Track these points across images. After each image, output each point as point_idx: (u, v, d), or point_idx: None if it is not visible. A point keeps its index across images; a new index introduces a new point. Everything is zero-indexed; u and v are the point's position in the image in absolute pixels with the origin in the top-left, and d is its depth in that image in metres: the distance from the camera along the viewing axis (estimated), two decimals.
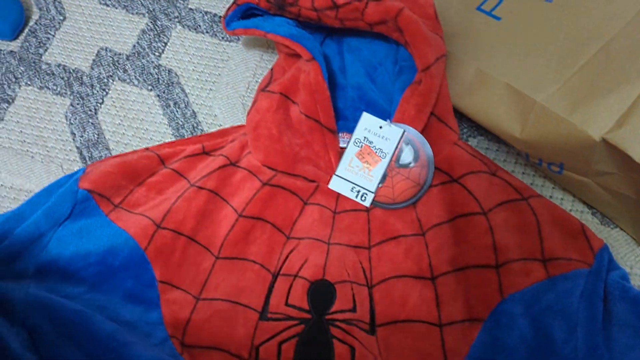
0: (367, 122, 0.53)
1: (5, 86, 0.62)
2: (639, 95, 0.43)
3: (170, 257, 0.51)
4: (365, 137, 0.53)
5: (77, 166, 0.58)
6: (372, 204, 0.53)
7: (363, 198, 0.53)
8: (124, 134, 0.60)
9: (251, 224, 0.52)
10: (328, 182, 0.54)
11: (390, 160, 0.53)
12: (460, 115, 0.56)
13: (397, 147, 0.53)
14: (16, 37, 0.65)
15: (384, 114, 0.57)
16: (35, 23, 0.66)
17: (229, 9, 0.58)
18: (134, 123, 0.60)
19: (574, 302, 0.46)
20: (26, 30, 0.66)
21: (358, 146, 0.53)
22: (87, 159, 0.58)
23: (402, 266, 0.51)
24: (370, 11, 0.53)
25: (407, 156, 0.53)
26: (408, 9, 0.53)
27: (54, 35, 0.65)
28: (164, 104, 0.61)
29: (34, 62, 0.64)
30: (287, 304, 0.49)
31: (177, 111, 0.61)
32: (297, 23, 0.57)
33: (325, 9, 0.54)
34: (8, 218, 0.49)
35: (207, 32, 0.65)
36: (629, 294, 0.46)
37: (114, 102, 0.61)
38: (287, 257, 0.51)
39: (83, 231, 0.50)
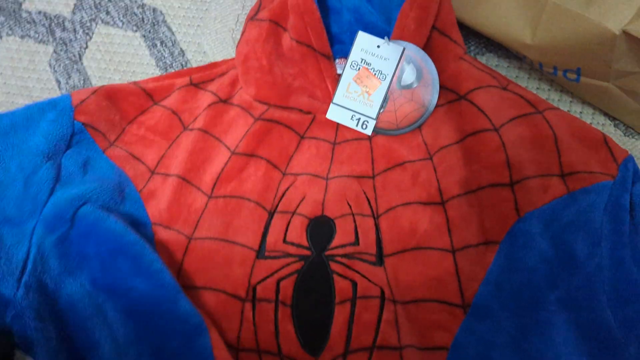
0: (364, 42, 0.49)
1: None
2: None
3: (162, 198, 0.48)
4: (362, 59, 0.49)
5: None
6: (374, 131, 0.49)
7: (364, 126, 0.49)
8: (110, 78, 0.57)
9: (245, 161, 0.49)
10: (325, 113, 0.50)
11: (391, 82, 0.49)
12: (466, 32, 0.52)
13: (397, 67, 0.49)
14: None
15: (383, 36, 0.53)
16: None
17: None
18: (121, 66, 0.57)
19: (597, 217, 0.42)
20: None
21: (355, 69, 0.50)
22: None
23: (409, 193, 0.47)
24: None
25: (409, 76, 0.49)
26: None
27: None
28: (151, 44, 0.58)
29: (13, 12, 0.61)
30: (285, 242, 0.46)
31: (164, 50, 0.57)
32: None
33: None
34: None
35: None
36: None
37: (98, 46, 0.58)
38: (283, 194, 0.48)
39: (87, 165, 0.48)
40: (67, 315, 0.43)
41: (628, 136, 0.49)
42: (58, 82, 0.57)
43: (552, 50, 0.45)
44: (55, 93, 0.57)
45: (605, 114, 0.50)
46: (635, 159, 0.45)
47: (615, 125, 0.49)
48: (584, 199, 0.43)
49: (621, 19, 0.40)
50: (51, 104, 0.49)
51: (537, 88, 0.51)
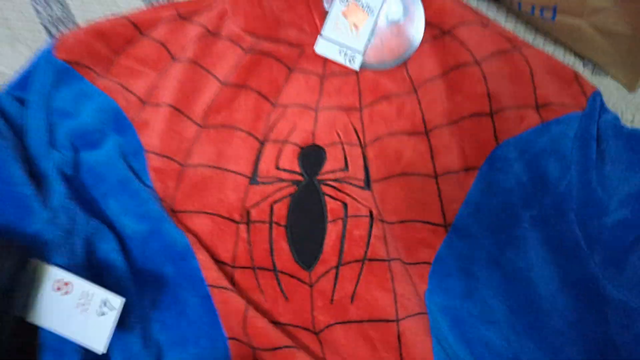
0: None
1: None
2: None
3: (155, 127, 0.49)
4: None
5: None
6: (361, 66, 0.51)
7: (351, 60, 0.51)
8: (92, 10, 0.56)
9: (235, 92, 0.50)
10: (313, 46, 0.51)
11: (378, 16, 0.51)
12: None
13: (384, 2, 0.50)
14: None
15: None
16: None
17: None
18: (103, 2, 0.56)
19: (568, 143, 0.46)
20: None
21: (344, 3, 0.51)
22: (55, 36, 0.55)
23: (395, 124, 0.50)
24: None
25: (395, 11, 0.51)
26: None
27: None
28: None
29: None
30: (277, 168, 0.48)
31: None
32: None
33: None
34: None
35: None
36: (622, 131, 0.46)
37: None
38: (274, 125, 0.50)
39: (80, 99, 0.48)
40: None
41: (595, 74, 0.52)
42: (37, 12, 0.56)
43: None
44: (36, 24, 0.55)
45: (576, 54, 0.53)
46: (602, 94, 0.49)
47: (584, 65, 0.53)
48: (556, 128, 0.47)
49: None
50: (37, 61, 0.49)
51: (513, 29, 0.54)
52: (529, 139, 0.47)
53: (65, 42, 0.49)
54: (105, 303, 0.38)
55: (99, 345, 0.38)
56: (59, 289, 0.38)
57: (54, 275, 0.38)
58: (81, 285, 0.38)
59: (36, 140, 0.45)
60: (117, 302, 0.39)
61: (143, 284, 0.45)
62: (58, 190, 0.44)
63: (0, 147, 0.42)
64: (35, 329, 0.38)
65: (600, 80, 0.52)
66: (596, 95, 0.47)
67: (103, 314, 0.38)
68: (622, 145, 0.46)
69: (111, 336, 0.38)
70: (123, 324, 0.40)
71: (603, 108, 0.48)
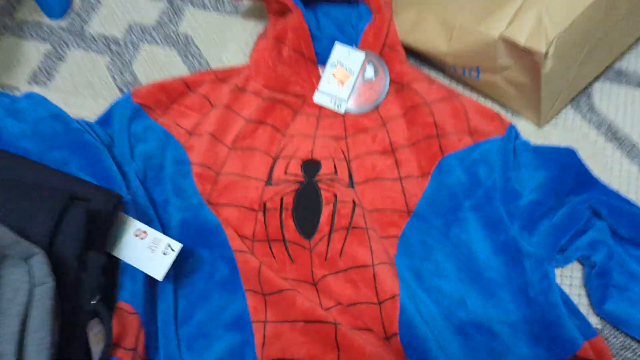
0: (339, 49, 0.73)
1: (57, 49, 0.81)
2: (518, 6, 0.65)
3: (199, 149, 0.68)
4: (338, 60, 0.73)
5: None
6: (345, 110, 0.72)
7: (339, 106, 0.72)
8: (154, 77, 0.78)
9: (256, 126, 0.70)
10: (312, 97, 0.73)
11: (357, 76, 0.73)
12: (407, 51, 0.77)
13: (362, 66, 0.73)
14: (63, 17, 0.84)
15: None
16: (79, 7, 0.86)
17: None
18: (161, 71, 0.79)
19: (493, 154, 0.65)
20: (71, 13, 0.85)
21: (333, 67, 0.73)
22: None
23: (370, 147, 0.69)
24: None
25: (369, 72, 0.73)
26: None
27: (93, 15, 0.85)
28: (183, 56, 0.80)
29: (79, 33, 0.83)
30: (285, 174, 0.67)
31: (193, 60, 0.80)
32: None
33: None
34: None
35: (213, 9, 0.85)
36: (529, 147, 0.66)
37: (144, 57, 0.80)
38: (283, 147, 0.69)
39: (147, 130, 0.68)
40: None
41: (514, 116, 0.73)
42: (114, 78, 0.78)
43: (460, 54, 0.70)
44: (112, 86, 0.77)
45: (498, 103, 0.74)
46: (517, 127, 0.69)
47: (505, 111, 0.74)
48: (484, 146, 0.66)
49: (499, 29, 0.65)
50: (118, 102, 0.70)
51: (450, 84, 0.76)
52: (466, 152, 0.66)
53: (138, 91, 0.70)
54: (169, 246, 0.55)
55: (160, 275, 0.54)
56: (137, 235, 0.55)
57: (135, 225, 0.55)
58: (153, 233, 0.55)
59: (121, 151, 0.65)
60: (177, 246, 0.55)
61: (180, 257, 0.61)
62: (134, 184, 0.62)
63: (102, 150, 0.61)
64: (117, 260, 0.54)
65: (517, 121, 0.73)
66: (512, 127, 0.68)
67: (165, 254, 0.54)
68: (529, 155, 0.65)
69: (169, 269, 0.54)
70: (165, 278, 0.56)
71: (517, 134, 0.68)
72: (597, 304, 0.58)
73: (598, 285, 0.58)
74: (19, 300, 0.40)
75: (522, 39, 0.63)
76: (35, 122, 0.58)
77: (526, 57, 0.64)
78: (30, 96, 0.62)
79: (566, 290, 0.60)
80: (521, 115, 0.73)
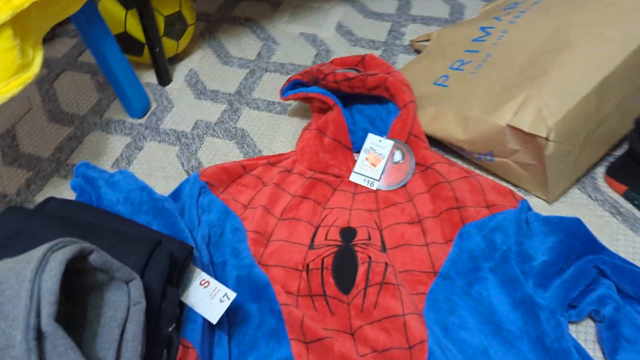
0: (371, 138, 0.87)
1: (136, 141, 0.97)
2: (522, 100, 0.78)
3: (253, 219, 0.80)
4: (370, 147, 0.87)
5: None
6: (377, 188, 0.84)
7: (372, 184, 0.84)
8: (215, 163, 0.93)
9: (300, 200, 0.83)
10: (348, 177, 0.85)
11: (387, 159, 0.85)
12: (429, 139, 0.90)
13: (390, 152, 0.86)
14: (143, 117, 1.02)
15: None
16: (155, 109, 1.04)
17: (284, 84, 0.95)
18: (221, 158, 0.94)
19: (508, 224, 0.75)
20: (149, 112, 1.03)
21: (366, 153, 0.86)
22: None
23: (400, 218, 0.80)
24: (369, 80, 0.90)
25: (397, 156, 0.86)
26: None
27: (166, 115, 1.02)
28: (240, 146, 0.95)
29: (154, 128, 0.99)
30: (326, 239, 0.77)
31: (249, 150, 0.94)
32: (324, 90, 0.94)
33: (342, 81, 0.92)
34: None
35: (265, 110, 1.02)
36: (539, 217, 0.75)
37: (207, 146, 0.95)
38: (324, 218, 0.81)
39: (211, 203, 0.81)
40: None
41: (525, 195, 0.83)
42: (182, 164, 0.93)
43: (475, 141, 0.82)
44: (179, 171, 0.92)
45: (510, 183, 0.85)
46: (529, 203, 0.79)
47: (517, 189, 0.84)
48: (500, 216, 0.76)
49: (506, 119, 0.78)
50: (188, 179, 0.84)
51: (468, 166, 0.87)
52: (484, 222, 0.76)
53: (205, 172, 0.84)
54: (225, 295, 0.64)
55: (215, 318, 0.63)
56: (201, 284, 0.65)
57: (201, 275, 0.65)
58: (214, 283, 0.65)
59: (190, 219, 0.77)
60: (232, 295, 0.65)
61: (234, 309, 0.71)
62: (200, 246, 0.74)
63: (177, 217, 0.74)
64: (183, 305, 0.64)
65: (529, 198, 0.83)
66: (524, 201, 0.78)
67: (222, 301, 0.64)
68: (540, 224, 0.74)
69: (223, 314, 0.64)
70: (219, 326, 0.65)
71: (529, 207, 0.78)
72: (609, 355, 0.64)
73: (609, 336, 0.65)
74: (119, 315, 0.50)
75: (526, 126, 0.75)
76: (127, 192, 0.72)
77: (531, 141, 0.76)
78: (122, 172, 0.77)
79: (581, 344, 0.66)
80: (532, 194, 0.84)
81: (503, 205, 0.78)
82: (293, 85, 0.96)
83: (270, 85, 1.08)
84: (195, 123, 1.00)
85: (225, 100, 1.05)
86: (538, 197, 0.83)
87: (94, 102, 1.06)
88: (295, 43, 1.19)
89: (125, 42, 1.05)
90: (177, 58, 1.17)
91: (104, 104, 1.06)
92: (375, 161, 0.86)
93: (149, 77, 1.12)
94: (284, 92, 0.96)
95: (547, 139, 0.74)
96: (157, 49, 1.03)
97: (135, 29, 1.02)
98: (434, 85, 0.95)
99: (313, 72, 0.94)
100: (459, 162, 0.89)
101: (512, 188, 0.85)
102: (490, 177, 0.87)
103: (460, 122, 0.85)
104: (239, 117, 1.01)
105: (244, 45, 1.20)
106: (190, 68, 1.14)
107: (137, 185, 0.75)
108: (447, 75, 0.96)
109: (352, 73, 0.92)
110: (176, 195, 0.83)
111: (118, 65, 0.94)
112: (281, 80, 1.09)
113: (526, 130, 0.75)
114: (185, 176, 0.91)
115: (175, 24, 1.06)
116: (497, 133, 0.79)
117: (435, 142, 0.90)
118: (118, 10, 1.02)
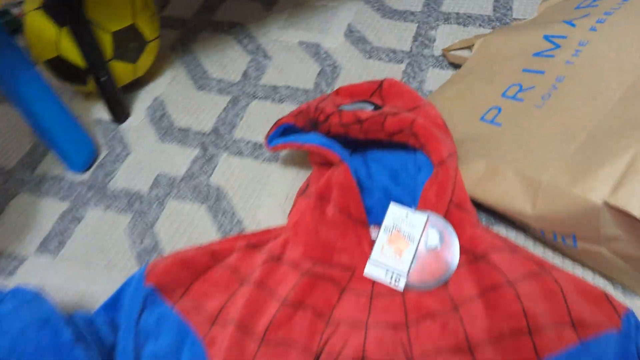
0: (395, 211, 0.60)
1: (76, 209, 0.72)
2: (628, 162, 0.50)
3: (221, 345, 0.54)
4: (394, 225, 0.60)
5: (135, 270, 0.64)
6: (405, 286, 0.57)
7: (397, 281, 0.58)
8: (177, 242, 0.67)
9: (293, 310, 0.56)
10: (363, 269, 0.59)
11: (419, 243, 0.59)
12: (478, 206, 0.63)
13: (423, 232, 0.59)
14: (87, 170, 0.77)
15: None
16: (104, 158, 0.78)
17: (270, 130, 0.69)
18: (186, 234, 0.68)
19: (609, 359, 0.48)
20: (96, 164, 0.77)
21: (388, 233, 0.60)
22: (144, 263, 0.65)
23: (440, 342, 0.53)
24: (389, 123, 0.63)
25: (433, 239, 0.59)
26: (421, 117, 0.63)
27: (118, 168, 0.77)
28: (213, 214, 0.69)
29: (100, 189, 0.74)
30: None
31: (224, 219, 0.69)
32: (326, 138, 0.67)
33: (351, 124, 0.65)
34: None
35: (249, 156, 0.76)
36: None
37: (169, 215, 0.70)
38: (327, 340, 0.54)
39: (160, 323, 0.55)
40: None
41: (626, 295, 0.56)
42: (132, 244, 0.67)
43: (549, 219, 0.55)
44: (127, 255, 0.66)
45: (604, 276, 0.58)
46: (635, 314, 0.52)
47: (614, 286, 0.57)
48: (595, 348, 0.49)
49: (602, 192, 0.50)
50: (129, 282, 0.58)
51: (542, 253, 0.60)
52: (571, 356, 0.49)
53: (154, 269, 0.58)
54: None
55: None
56: None
57: None
58: None
59: (124, 356, 0.52)
60: None
61: None
62: None
63: None
64: None
65: (632, 302, 0.55)
66: (630, 315, 0.51)
67: None
68: None
69: None
70: None
71: (638, 326, 0.51)
72: None
73: None
74: None
75: (637, 210, 0.48)
76: (17, 334, 0.47)
77: None
78: (15, 294, 0.51)
79: None
80: (636, 295, 0.56)
81: (598, 323, 0.51)
82: (282, 130, 0.69)
83: (259, 119, 0.82)
84: (155, 178, 0.75)
85: (198, 143, 0.79)
86: None
87: (26, 150, 0.81)
88: (292, 56, 0.92)
89: (61, 68, 0.79)
90: (139, 83, 0.91)
91: (39, 151, 0.81)
92: (402, 245, 0.59)
93: (101, 112, 0.86)
94: (270, 139, 0.69)
95: None
96: (104, 77, 0.77)
97: (72, 52, 0.76)
98: (481, 123, 0.67)
99: (310, 112, 0.67)
100: (521, 241, 0.62)
101: (604, 284, 0.57)
102: (570, 267, 0.59)
103: (526, 188, 0.57)
104: (215, 167, 0.75)
105: (227, 61, 0.93)
106: (155, 97, 0.88)
107: (36, 318, 0.49)
108: (499, 107, 0.68)
109: (364, 111, 0.65)
110: (113, 306, 0.57)
111: (43, 107, 0.69)
112: (273, 111, 0.83)
113: (638, 216, 0.48)
114: (133, 265, 0.66)
115: (129, 42, 0.80)
116: (586, 212, 0.52)
117: (483, 208, 0.63)
118: (48, 28, 0.76)
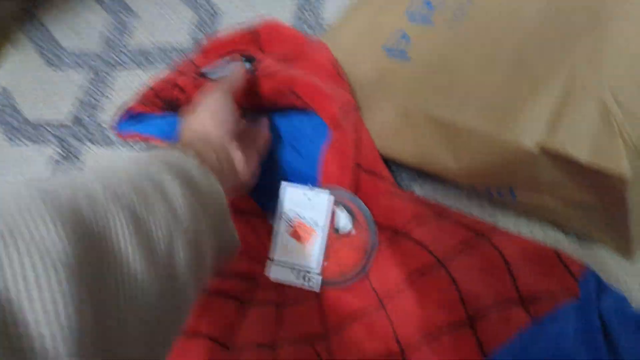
0: (290, 194, 0.48)
1: None
2: (560, 93, 0.39)
3: None
4: (292, 210, 0.48)
5: None
6: (321, 284, 0.46)
7: (309, 280, 0.46)
8: None
9: (184, 342, 0.45)
10: (265, 273, 0.47)
11: (327, 229, 0.47)
12: (397, 164, 0.51)
13: (329, 214, 0.47)
14: None
15: (314, 182, 0.52)
16: None
17: (118, 115, 0.54)
18: None
19: (570, 344, 0.38)
20: None
21: (287, 222, 0.48)
22: None
23: (367, 350, 0.43)
24: (264, 88, 0.49)
25: (343, 220, 0.47)
26: (306, 71, 0.49)
27: None
28: None
29: None
30: None
31: None
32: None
33: None
34: None
35: (123, 145, 0.61)
36: (627, 316, 0.39)
37: None
38: None
39: None
40: None
41: (582, 245, 0.46)
42: None
43: (478, 172, 0.44)
44: None
45: (555, 225, 0.47)
46: (593, 266, 0.42)
47: (567, 236, 0.47)
48: (551, 328, 0.39)
49: (534, 135, 0.39)
50: None
51: (479, 210, 0.49)
52: (522, 345, 0.39)
53: None
54: None
55: None
56: None
57: None
58: None
59: None
60: None
61: None
62: None
63: None
64: None
65: (591, 250, 0.46)
66: (588, 276, 0.41)
67: None
68: (631, 333, 0.38)
69: None
70: None
71: (601, 286, 0.41)
72: None
73: None
74: None
75: (584, 154, 0.36)
76: None
77: (591, 177, 0.38)
78: None
79: None
80: (591, 240, 0.46)
81: (550, 294, 0.41)
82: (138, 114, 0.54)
83: (130, 95, 0.66)
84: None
85: (55, 139, 0.63)
86: (607, 247, 0.46)
87: None
88: (164, 8, 0.75)
89: None
90: None
91: None
92: (307, 236, 0.47)
93: None
94: (119, 125, 0.54)
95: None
96: None
97: None
98: (388, 58, 0.54)
99: (167, 89, 0.52)
100: (451, 197, 0.50)
101: (557, 237, 0.47)
102: (511, 220, 0.49)
103: (444, 136, 0.45)
104: (82, 167, 0.60)
105: (83, 26, 0.76)
106: (3, 87, 0.71)
107: None
108: (404, 31, 0.54)
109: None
110: None
111: None
112: (146, 82, 0.67)
113: (583, 162, 0.37)
114: None
115: None
116: (519, 161, 0.41)
117: (403, 166, 0.51)
118: None
